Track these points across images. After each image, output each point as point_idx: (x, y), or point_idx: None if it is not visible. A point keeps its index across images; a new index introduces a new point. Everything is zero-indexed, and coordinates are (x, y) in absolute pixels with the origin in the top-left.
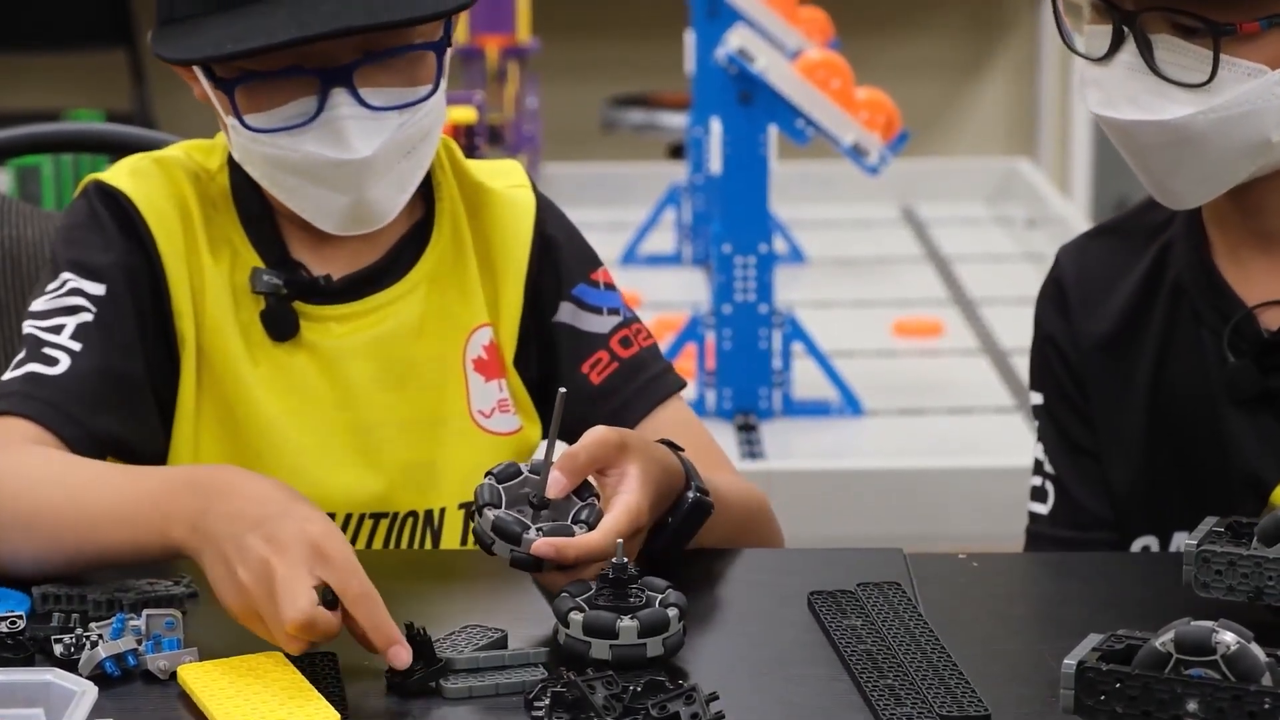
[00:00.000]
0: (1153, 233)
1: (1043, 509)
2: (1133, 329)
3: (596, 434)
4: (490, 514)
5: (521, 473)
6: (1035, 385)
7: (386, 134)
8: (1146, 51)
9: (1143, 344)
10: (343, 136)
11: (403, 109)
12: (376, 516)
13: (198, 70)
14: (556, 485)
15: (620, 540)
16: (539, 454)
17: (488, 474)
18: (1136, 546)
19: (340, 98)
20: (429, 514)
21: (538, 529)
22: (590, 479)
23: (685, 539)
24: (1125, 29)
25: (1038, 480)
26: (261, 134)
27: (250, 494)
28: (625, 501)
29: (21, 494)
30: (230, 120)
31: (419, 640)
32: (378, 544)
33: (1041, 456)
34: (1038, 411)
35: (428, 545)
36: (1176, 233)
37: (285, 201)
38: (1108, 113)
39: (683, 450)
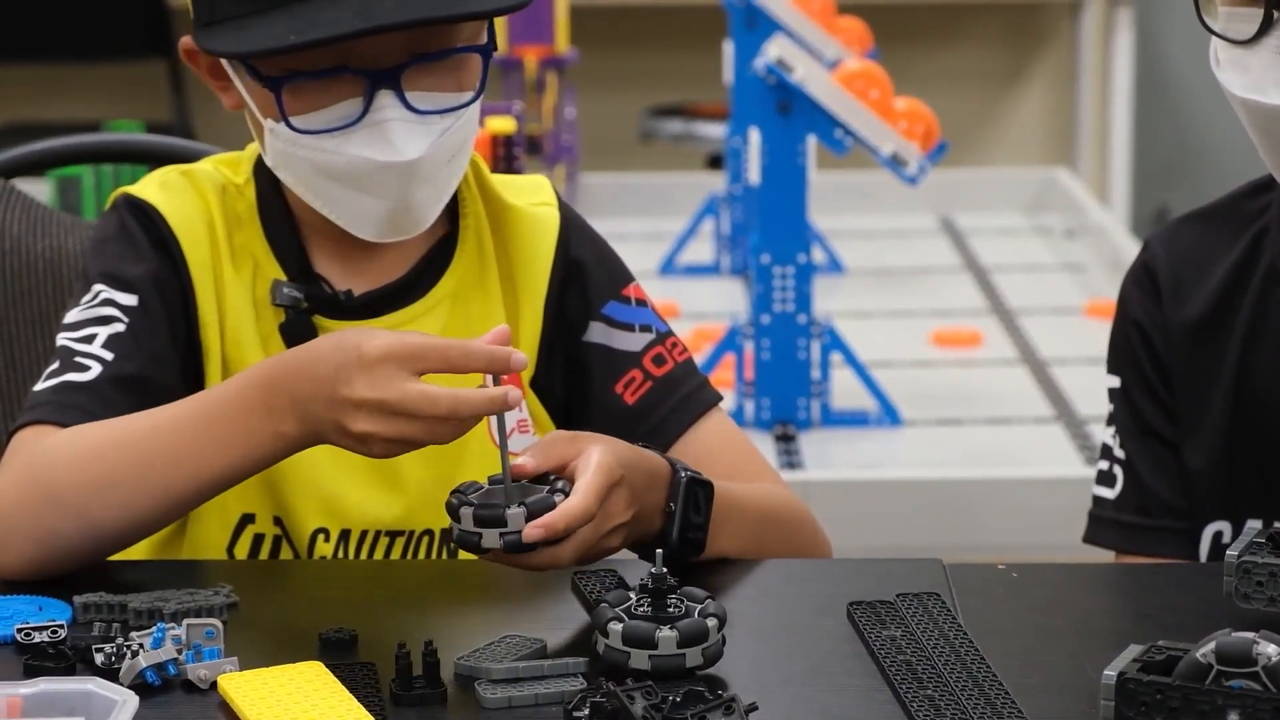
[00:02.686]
0: (1248, 220)
1: (1109, 493)
2: (1223, 314)
3: (544, 437)
4: (466, 511)
5: (482, 486)
6: (1113, 369)
7: (432, 138)
8: None
9: (1231, 328)
10: (389, 139)
11: (446, 113)
12: (393, 534)
13: (232, 72)
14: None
15: (599, 494)
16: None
17: (452, 493)
18: (1208, 533)
19: (386, 99)
20: (445, 533)
21: (520, 503)
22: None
23: (699, 526)
24: (1276, 13)
25: (1105, 465)
26: (305, 136)
27: (309, 375)
28: (592, 461)
29: (104, 452)
30: (270, 123)
31: (429, 662)
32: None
33: (1111, 441)
34: (1113, 395)
35: None
36: (1272, 220)
37: (321, 209)
38: (1254, 97)
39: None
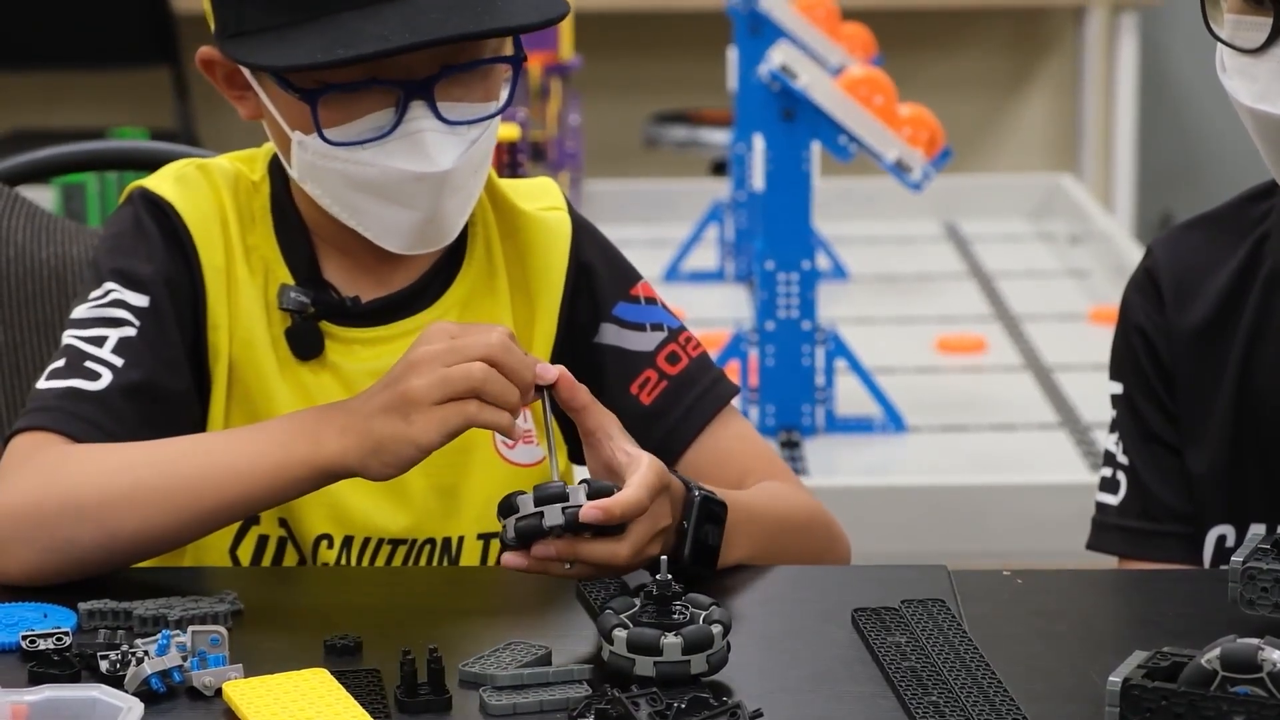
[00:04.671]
0: (1251, 225)
1: (1112, 500)
2: (1225, 318)
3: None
4: (525, 497)
5: (525, 493)
6: (1116, 375)
7: (463, 148)
8: None
9: (1234, 333)
10: (424, 149)
11: (475, 124)
12: (395, 543)
13: (257, 84)
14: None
15: (652, 490)
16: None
17: (502, 499)
18: (1212, 536)
19: (419, 111)
20: (447, 542)
21: (582, 481)
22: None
23: (713, 544)
24: None
25: (1108, 471)
26: (339, 148)
27: (367, 393)
28: (644, 461)
29: (133, 467)
30: (299, 136)
31: (434, 669)
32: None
33: (1114, 447)
34: (1116, 401)
35: None
36: (1274, 225)
37: (349, 220)
38: (1262, 106)
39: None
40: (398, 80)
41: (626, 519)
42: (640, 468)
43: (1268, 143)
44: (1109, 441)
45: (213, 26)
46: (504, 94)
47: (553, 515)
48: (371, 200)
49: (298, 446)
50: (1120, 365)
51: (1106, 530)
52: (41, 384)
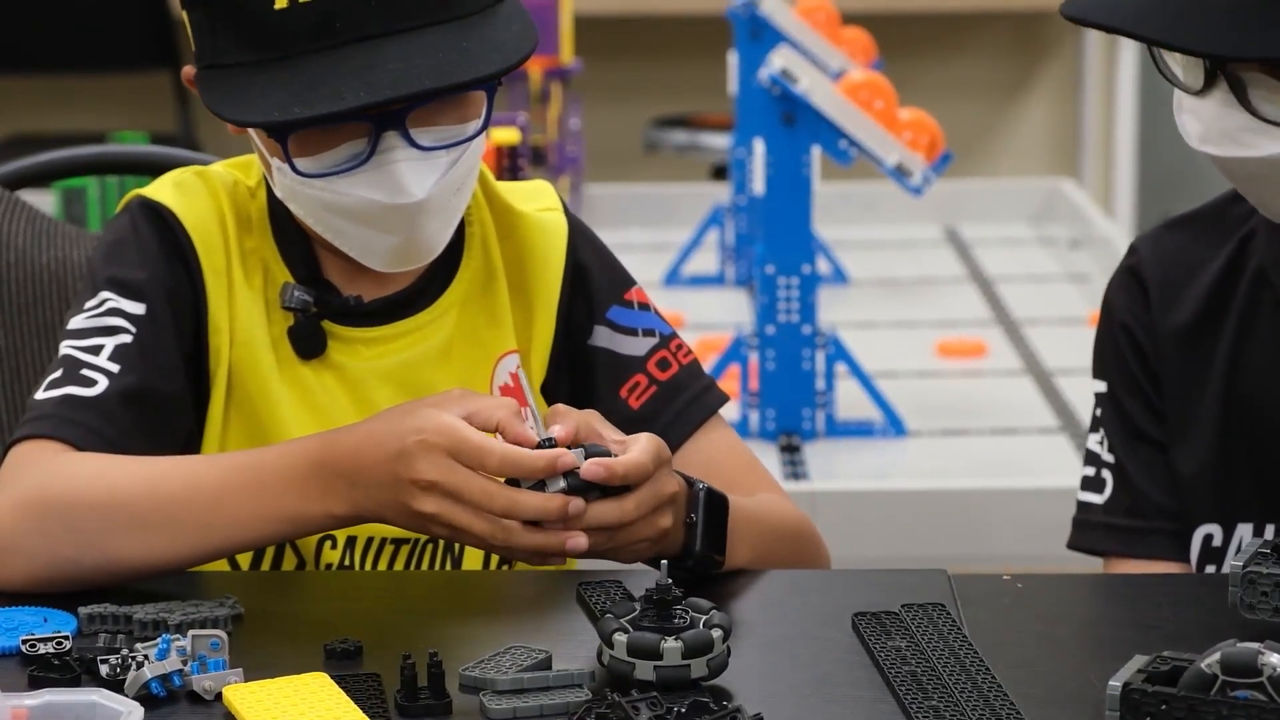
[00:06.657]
0: (1235, 224)
1: (1097, 499)
2: (1211, 316)
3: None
4: None
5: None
6: (1099, 373)
7: (438, 174)
8: (1240, 92)
9: (1220, 331)
10: (397, 180)
11: (451, 148)
12: (398, 542)
13: None
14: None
15: (654, 457)
16: None
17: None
18: (1199, 535)
19: (392, 140)
20: (450, 541)
21: (579, 446)
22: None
23: (718, 539)
24: (1218, 72)
25: (1091, 470)
26: (312, 178)
27: (367, 458)
28: (643, 435)
29: (134, 496)
30: (277, 163)
31: (434, 673)
32: (398, 569)
33: (1097, 447)
34: (1100, 399)
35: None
36: (1260, 223)
37: (331, 240)
38: (1207, 148)
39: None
40: (370, 115)
41: (629, 480)
42: (640, 440)
43: (1222, 172)
44: (1092, 441)
45: (194, 49)
46: (483, 112)
47: (555, 481)
48: (350, 224)
49: (308, 506)
50: (1104, 363)
51: (1090, 528)
52: (39, 394)
